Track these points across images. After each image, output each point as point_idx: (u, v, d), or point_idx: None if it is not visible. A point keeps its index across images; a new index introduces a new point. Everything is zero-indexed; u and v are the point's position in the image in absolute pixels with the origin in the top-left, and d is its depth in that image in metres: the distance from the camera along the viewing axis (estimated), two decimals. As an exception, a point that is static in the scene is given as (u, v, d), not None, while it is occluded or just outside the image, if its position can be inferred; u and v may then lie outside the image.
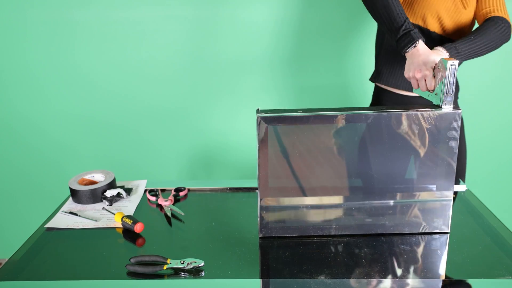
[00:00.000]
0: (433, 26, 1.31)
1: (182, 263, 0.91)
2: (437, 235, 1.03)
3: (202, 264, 0.91)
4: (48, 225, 1.11)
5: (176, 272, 0.90)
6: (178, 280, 0.89)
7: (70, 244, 1.04)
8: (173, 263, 0.91)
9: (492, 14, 1.29)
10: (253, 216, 1.13)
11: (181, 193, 1.27)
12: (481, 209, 1.14)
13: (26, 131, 1.99)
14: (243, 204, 1.21)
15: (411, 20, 1.31)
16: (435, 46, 1.20)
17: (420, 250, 0.97)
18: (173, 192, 1.26)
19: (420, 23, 1.31)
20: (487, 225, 1.06)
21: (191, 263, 0.91)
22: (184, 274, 0.90)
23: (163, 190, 1.29)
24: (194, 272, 0.90)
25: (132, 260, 0.93)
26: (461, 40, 1.22)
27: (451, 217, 1.02)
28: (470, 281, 0.86)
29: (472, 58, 1.23)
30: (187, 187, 1.29)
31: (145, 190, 1.29)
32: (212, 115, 1.96)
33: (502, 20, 1.27)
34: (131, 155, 2.03)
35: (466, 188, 1.25)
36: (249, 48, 1.84)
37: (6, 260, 1.07)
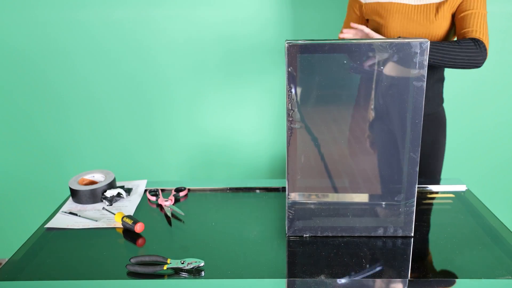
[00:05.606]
0: None
1: (182, 263, 0.91)
2: (439, 235, 1.03)
3: (202, 264, 0.91)
4: (48, 225, 1.11)
5: (176, 272, 0.90)
6: (178, 280, 0.89)
7: (70, 244, 1.03)
8: (173, 263, 0.91)
9: (472, 35, 1.27)
10: (253, 216, 1.13)
11: (181, 193, 1.27)
12: (481, 209, 1.14)
13: (26, 131, 1.99)
14: (243, 204, 1.21)
15: None
16: None
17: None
18: (173, 192, 1.26)
19: None
20: (487, 225, 1.06)
21: (191, 263, 0.91)
22: (184, 274, 0.90)
23: (163, 190, 1.29)
24: (194, 272, 0.90)
25: (132, 260, 0.93)
26: (432, 41, 1.25)
27: (452, 217, 1.02)
28: (470, 281, 0.86)
29: (434, 63, 1.23)
30: (187, 187, 1.29)
31: (145, 190, 1.29)
32: (212, 115, 1.96)
33: (477, 42, 1.25)
34: (131, 155, 2.03)
35: (466, 188, 1.25)
36: (250, 48, 1.84)
37: (6, 260, 1.07)
